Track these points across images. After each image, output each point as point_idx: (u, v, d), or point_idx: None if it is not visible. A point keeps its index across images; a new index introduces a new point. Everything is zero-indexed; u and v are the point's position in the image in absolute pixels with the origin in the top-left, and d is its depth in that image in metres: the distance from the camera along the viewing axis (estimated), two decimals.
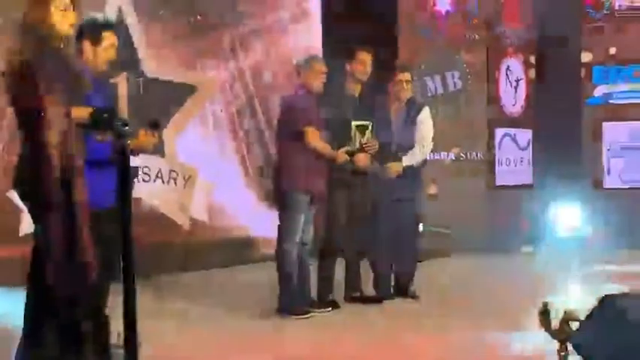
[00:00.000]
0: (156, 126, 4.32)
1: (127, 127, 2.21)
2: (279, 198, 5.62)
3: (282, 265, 5.44)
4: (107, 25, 4.23)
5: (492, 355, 4.47)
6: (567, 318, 3.00)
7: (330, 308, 5.64)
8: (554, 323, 3.06)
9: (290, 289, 5.44)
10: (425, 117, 6.14)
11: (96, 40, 3.95)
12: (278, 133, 5.84)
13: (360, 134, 5.83)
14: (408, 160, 6.02)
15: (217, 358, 4.44)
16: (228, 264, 7.50)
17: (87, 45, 4.03)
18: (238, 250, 7.90)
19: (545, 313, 3.08)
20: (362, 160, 5.72)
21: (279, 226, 5.56)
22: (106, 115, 2.11)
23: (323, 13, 8.75)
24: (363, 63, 5.83)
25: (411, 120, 6.12)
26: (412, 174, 6.08)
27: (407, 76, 6.05)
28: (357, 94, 5.90)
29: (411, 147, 6.05)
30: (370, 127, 5.85)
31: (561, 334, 3.02)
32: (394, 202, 6.06)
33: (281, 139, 5.72)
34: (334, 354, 4.67)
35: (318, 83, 5.64)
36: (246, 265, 7.48)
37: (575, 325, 3.02)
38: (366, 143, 5.73)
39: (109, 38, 4.01)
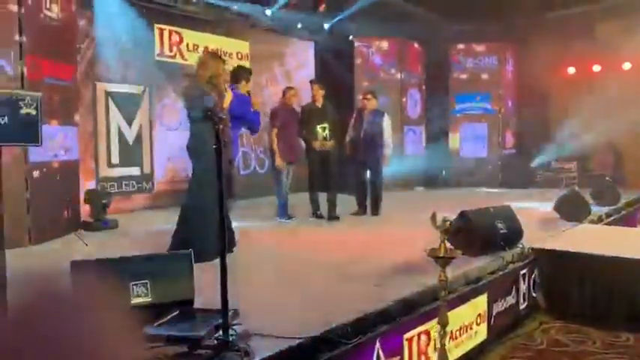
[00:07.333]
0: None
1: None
2: (272, 162, 7.51)
3: (279, 196, 7.67)
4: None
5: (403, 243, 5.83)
6: (446, 220, 3.58)
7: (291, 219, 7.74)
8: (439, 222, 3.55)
9: (284, 208, 7.68)
10: (388, 121, 8.06)
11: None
12: (269, 127, 7.73)
13: (322, 131, 7.64)
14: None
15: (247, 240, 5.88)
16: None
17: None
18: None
19: (434, 217, 3.55)
20: (323, 144, 7.59)
21: (274, 177, 7.66)
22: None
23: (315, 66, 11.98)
24: (317, 91, 7.84)
25: (377, 121, 7.95)
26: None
27: (372, 95, 8.21)
28: (320, 107, 7.75)
29: (377, 135, 7.75)
30: (327, 127, 7.61)
31: (442, 228, 3.55)
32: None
33: (269, 131, 7.71)
34: (320, 238, 6.38)
35: (293, 101, 7.75)
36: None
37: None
38: (325, 137, 7.57)
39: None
